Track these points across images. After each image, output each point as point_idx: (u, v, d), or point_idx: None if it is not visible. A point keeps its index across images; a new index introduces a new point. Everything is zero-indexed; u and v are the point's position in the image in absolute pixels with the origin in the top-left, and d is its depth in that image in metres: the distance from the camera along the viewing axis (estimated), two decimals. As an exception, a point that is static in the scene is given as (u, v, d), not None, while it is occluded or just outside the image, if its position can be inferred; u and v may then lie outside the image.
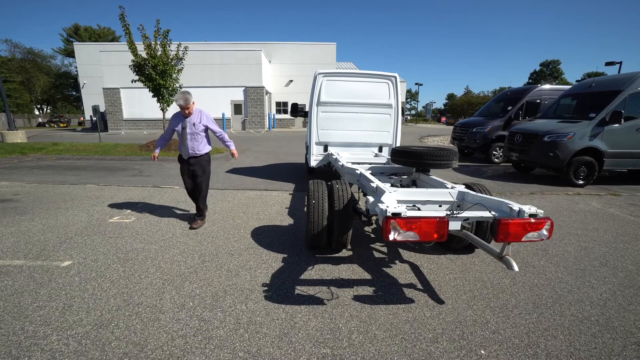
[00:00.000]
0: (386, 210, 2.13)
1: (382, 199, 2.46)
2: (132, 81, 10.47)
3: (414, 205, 2.85)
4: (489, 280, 3.00)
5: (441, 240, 2.12)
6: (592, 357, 2.05)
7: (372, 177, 3.38)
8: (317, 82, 6.28)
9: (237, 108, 23.31)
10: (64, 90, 41.67)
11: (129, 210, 4.98)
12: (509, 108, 10.14)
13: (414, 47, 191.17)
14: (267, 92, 24.79)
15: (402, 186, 3.95)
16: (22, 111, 36.30)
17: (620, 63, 17.47)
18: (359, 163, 4.87)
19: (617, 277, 3.08)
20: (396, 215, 2.11)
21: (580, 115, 7.28)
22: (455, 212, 2.36)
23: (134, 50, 10.00)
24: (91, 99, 23.57)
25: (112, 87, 21.11)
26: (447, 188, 3.04)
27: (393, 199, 2.64)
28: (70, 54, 36.14)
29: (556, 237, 4.11)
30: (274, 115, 26.42)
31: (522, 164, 8.58)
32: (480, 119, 10.87)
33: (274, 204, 5.45)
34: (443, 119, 51.40)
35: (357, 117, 6.43)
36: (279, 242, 3.84)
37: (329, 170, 7.55)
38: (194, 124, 4.04)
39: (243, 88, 22.79)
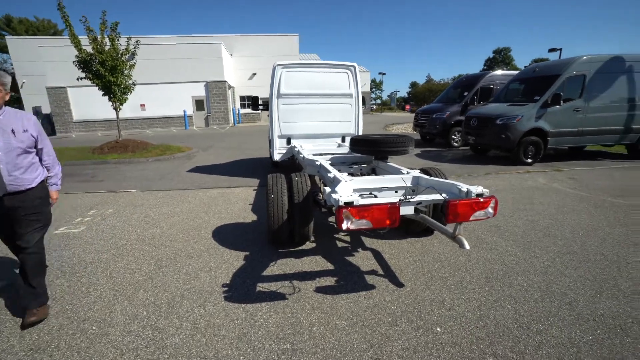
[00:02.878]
0: (339, 199, 2.13)
1: (337, 188, 2.46)
2: (77, 79, 9.62)
3: (370, 193, 2.88)
4: (446, 260, 3.13)
5: (394, 226, 2.16)
6: (533, 320, 2.21)
7: (330, 168, 3.37)
8: (276, 74, 6.14)
9: (199, 104, 22.32)
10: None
11: (79, 219, 4.61)
12: (465, 94, 10.60)
13: (377, 38, 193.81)
14: (230, 87, 23.97)
15: (362, 174, 3.99)
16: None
17: (561, 49, 18.88)
18: (321, 154, 4.85)
19: (557, 246, 3.34)
20: (348, 204, 2.12)
21: (527, 99, 7.77)
22: (409, 196, 2.42)
23: (77, 44, 9.14)
24: (33, 99, 21.41)
25: (57, 86, 19.20)
26: (403, 174, 3.11)
27: (349, 188, 2.65)
28: (2, 49, 32.36)
29: (508, 213, 4.38)
30: (238, 110, 25.68)
31: (478, 146, 9.04)
32: (439, 105, 11.28)
33: (237, 201, 5.31)
34: (407, 106, 52.92)
35: (319, 108, 6.39)
36: (242, 240, 3.74)
37: (294, 164, 7.48)
38: (12, 131, 2.15)
39: (204, 83, 21.81)
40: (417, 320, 2.26)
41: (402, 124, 22.01)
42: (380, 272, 2.94)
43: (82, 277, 3.01)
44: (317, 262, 3.15)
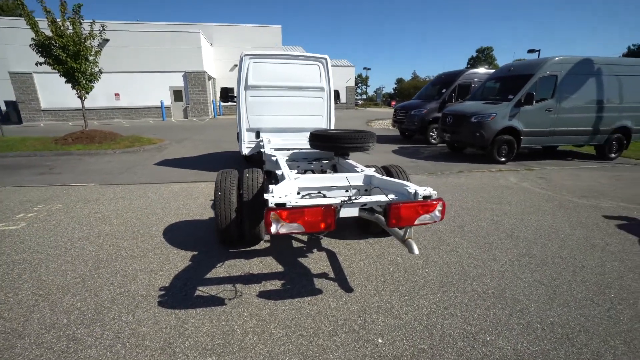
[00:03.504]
0: (268, 200, 1.94)
1: (274, 187, 2.26)
2: (36, 64, 8.97)
3: (319, 192, 2.71)
4: (402, 262, 3.00)
5: (329, 230, 1.99)
6: (481, 330, 2.10)
7: (282, 164, 3.18)
8: (244, 65, 5.86)
9: (177, 95, 21.53)
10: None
11: (22, 215, 4.25)
12: (444, 91, 10.57)
13: (364, 33, 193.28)
14: (210, 77, 23.24)
15: (323, 171, 3.82)
16: None
17: (539, 51, 19.22)
18: (287, 149, 4.65)
19: (517, 248, 3.27)
20: (280, 206, 1.94)
21: (502, 97, 7.77)
22: (354, 197, 2.25)
23: (32, 26, 8.47)
24: (2, 85, 20.12)
25: (21, 72, 17.97)
26: (357, 172, 2.94)
27: (293, 187, 2.47)
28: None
29: (474, 212, 4.31)
30: (219, 101, 25.01)
31: (455, 144, 9.04)
32: (418, 102, 11.22)
33: (198, 196, 5.04)
34: (393, 102, 53.06)
35: (289, 101, 6.16)
36: (193, 239, 3.51)
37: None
38: None
39: (182, 73, 21.02)
40: (360, 329, 2.11)
41: (385, 119, 21.98)
42: (332, 275, 2.78)
43: (3, 281, 2.71)
44: (267, 264, 2.96)
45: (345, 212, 2.22)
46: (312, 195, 2.70)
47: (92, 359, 1.88)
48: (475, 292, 2.52)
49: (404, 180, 3.19)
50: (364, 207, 2.24)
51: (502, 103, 7.48)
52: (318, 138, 3.60)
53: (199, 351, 1.94)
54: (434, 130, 10.40)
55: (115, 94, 20.02)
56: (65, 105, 19.05)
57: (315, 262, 3.01)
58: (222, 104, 25.17)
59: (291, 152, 4.12)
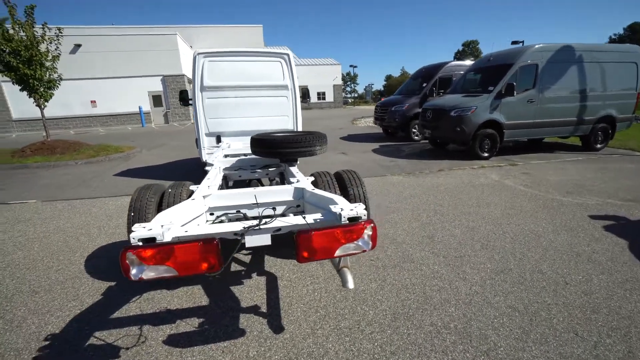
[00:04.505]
0: (132, 237, 1.45)
1: (162, 213, 1.76)
2: (-14, 71, 8.33)
3: (238, 212, 2.21)
4: (355, 286, 2.52)
5: (214, 270, 1.49)
6: (432, 387, 1.63)
7: (210, 175, 2.69)
8: (198, 64, 5.35)
9: (156, 100, 20.81)
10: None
11: None
12: (424, 85, 10.14)
13: (351, 32, 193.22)
14: (190, 81, 22.62)
15: (270, 180, 3.33)
16: None
17: (523, 42, 18.87)
18: (242, 155, 4.15)
19: (492, 262, 2.81)
20: (147, 242, 1.45)
21: (483, 89, 7.34)
22: (266, 221, 1.77)
23: (-27, 29, 7.82)
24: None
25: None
26: (292, 183, 2.45)
27: (198, 208, 1.99)
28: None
29: (449, 218, 3.85)
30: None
31: (437, 140, 8.61)
32: (398, 97, 10.78)
33: (144, 212, 4.51)
34: (382, 99, 52.75)
35: (250, 102, 5.65)
36: (118, 265, 2.99)
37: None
38: None
39: (161, 77, 20.34)
40: (276, 392, 1.63)
41: (372, 117, 21.55)
42: (263, 308, 2.29)
43: None
44: (191, 295, 2.46)
45: (252, 241, 1.73)
46: (229, 215, 2.21)
47: None
48: (434, 327, 2.04)
49: (356, 189, 2.72)
50: (278, 233, 1.76)
51: (482, 95, 7.05)
52: (257, 143, 3.10)
53: None
54: (417, 126, 9.96)
55: (92, 101, 19.29)
56: (39, 114, 18.24)
57: (250, 291, 2.51)
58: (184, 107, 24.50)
59: (236, 159, 3.63)
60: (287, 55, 5.63)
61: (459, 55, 60.05)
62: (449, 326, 2.04)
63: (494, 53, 7.84)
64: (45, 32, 8.57)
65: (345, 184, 2.86)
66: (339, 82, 39.65)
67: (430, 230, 3.52)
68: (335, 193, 2.69)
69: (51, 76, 8.96)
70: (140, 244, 1.45)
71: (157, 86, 20.50)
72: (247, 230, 1.68)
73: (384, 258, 2.95)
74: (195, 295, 2.48)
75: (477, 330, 1.99)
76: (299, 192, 2.24)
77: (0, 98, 17.82)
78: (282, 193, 2.25)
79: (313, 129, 15.93)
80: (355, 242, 1.57)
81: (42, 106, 9.12)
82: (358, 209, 1.65)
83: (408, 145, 9.60)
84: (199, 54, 5.39)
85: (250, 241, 1.73)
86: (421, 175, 6.05)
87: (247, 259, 3.04)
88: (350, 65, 50.57)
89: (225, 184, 3.36)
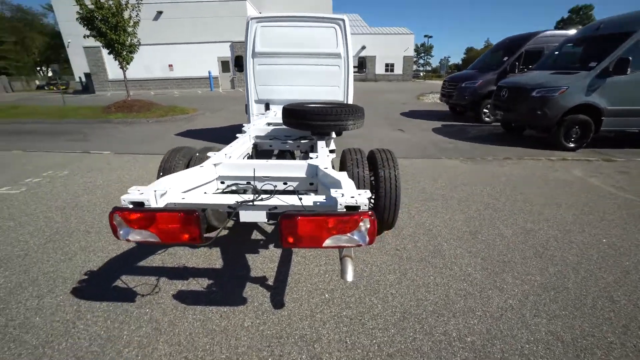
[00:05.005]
0: (123, 200, 1.45)
1: (165, 178, 1.74)
2: (84, 36, 9.54)
3: (248, 183, 2.12)
4: (368, 275, 2.33)
5: (196, 242, 1.43)
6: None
7: (235, 142, 2.66)
8: (251, 30, 5.32)
9: (224, 65, 21.83)
10: (59, 50, 40.25)
11: (29, 179, 4.47)
12: (506, 58, 8.69)
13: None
14: (258, 48, 23.06)
15: (302, 153, 3.19)
16: (21, 74, 35.92)
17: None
18: (276, 124, 4.09)
19: (543, 275, 2.33)
20: (137, 206, 1.44)
21: (582, 65, 5.96)
22: (263, 197, 1.63)
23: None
24: (79, 59, 22.66)
25: (92, 46, 19.80)
26: (311, 158, 2.26)
27: (207, 175, 1.95)
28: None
29: (502, 214, 3.31)
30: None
31: (512, 123, 7.45)
32: (472, 72, 9.45)
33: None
34: (453, 73, 47.62)
35: (301, 70, 5.48)
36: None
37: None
38: None
39: (229, 43, 21.14)
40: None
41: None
42: (270, 281, 2.25)
43: (-40, 245, 2.75)
44: (209, 257, 2.55)
45: (247, 217, 1.63)
46: (239, 186, 2.14)
47: (-37, 351, 1.69)
48: (447, 336, 1.77)
49: (387, 172, 2.44)
50: (275, 212, 1.63)
51: (578, 73, 5.73)
52: (287, 113, 2.95)
53: (66, 357, 1.62)
54: (488, 106, 8.73)
55: (169, 65, 21.11)
56: (130, 76, 20.69)
57: (263, 261, 2.50)
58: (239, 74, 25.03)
59: (272, 128, 3.54)
60: (342, 20, 5.23)
61: (562, 25, 50.17)
62: (464, 340, 1.75)
63: (605, 19, 6.24)
64: (127, 1, 9.38)
65: (376, 165, 2.59)
66: (411, 53, 36.63)
67: (474, 226, 3.07)
68: (363, 174, 2.45)
69: (132, 41, 9.87)
70: (131, 206, 1.46)
71: (226, 52, 21.44)
72: (240, 205, 1.59)
73: (412, 249, 2.67)
74: (212, 257, 2.55)
75: (499, 353, 1.67)
76: (313, 170, 2.06)
77: (100, 61, 20.61)
78: (295, 168, 2.09)
79: (373, 101, 15.19)
80: (348, 234, 1.36)
81: (125, 68, 10.20)
82: (359, 197, 1.41)
83: (475, 127, 8.51)
84: (252, 19, 5.32)
85: (245, 216, 1.64)
86: (482, 162, 5.32)
87: (269, 228, 3.03)
88: (425, 36, 46.42)
89: (256, 153, 3.33)
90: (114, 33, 9.14)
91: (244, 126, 3.84)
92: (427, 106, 13.19)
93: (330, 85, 5.55)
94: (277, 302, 2.05)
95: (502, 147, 6.30)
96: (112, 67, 20.72)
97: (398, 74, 36.60)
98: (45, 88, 31.76)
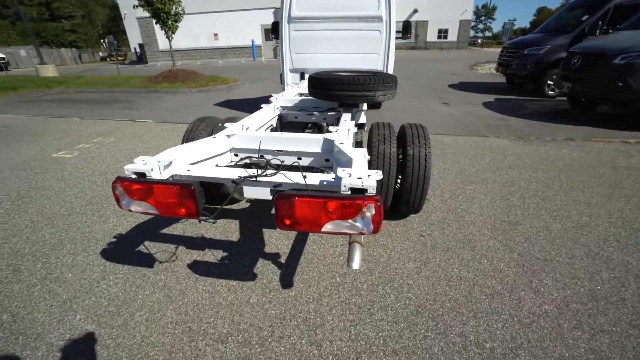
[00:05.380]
0: (127, 170, 1.44)
1: (173, 149, 1.69)
2: (133, 6, 9.88)
3: (261, 157, 2.02)
4: (385, 262, 2.18)
5: (193, 217, 1.38)
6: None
7: (257, 113, 2.57)
8: None
9: (267, 33, 21.45)
10: (119, 23, 42.81)
11: (82, 145, 4.88)
12: (585, 17, 7.31)
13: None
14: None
15: (327, 125, 3.00)
16: (88, 46, 39.14)
17: None
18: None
19: (593, 280, 1.99)
20: (137, 178, 1.42)
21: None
22: (267, 172, 1.52)
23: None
24: (134, 30, 23.88)
25: (144, 17, 20.67)
26: (329, 132, 2.07)
27: (218, 147, 1.89)
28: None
29: (551, 205, 2.89)
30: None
31: (582, 97, 6.40)
32: (538, 36, 8.15)
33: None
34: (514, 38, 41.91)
35: (338, 36, 5.12)
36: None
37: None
38: None
39: (272, 10, 20.60)
40: (256, 345, 1.57)
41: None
42: (283, 259, 2.22)
43: (23, 202, 3.10)
44: (227, 229, 2.58)
45: (251, 193, 1.55)
46: (253, 159, 2.06)
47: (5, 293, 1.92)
48: (463, 339, 1.60)
49: (417, 150, 2.20)
50: (280, 189, 1.52)
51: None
52: (312, 82, 2.74)
53: (87, 314, 1.77)
54: (554, 77, 7.56)
55: (214, 34, 21.35)
56: (177, 46, 21.43)
57: (279, 237, 2.47)
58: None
59: (300, 99, 3.37)
60: (387, -21, 4.69)
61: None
62: (483, 345, 1.56)
63: None
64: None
65: (405, 141, 2.35)
66: (468, 17, 32.83)
67: (516, 216, 2.72)
68: (390, 151, 2.24)
69: (177, 9, 10.01)
70: (134, 177, 1.44)
71: (269, 19, 21.00)
72: (243, 180, 1.50)
73: (438, 236, 2.44)
74: (230, 230, 2.58)
75: (523, 367, 1.47)
76: (329, 145, 1.89)
77: (152, 32, 21.49)
78: (310, 143, 1.94)
79: (419, 72, 14.14)
80: (350, 220, 1.22)
81: (170, 38, 10.47)
82: (367, 180, 1.24)
83: (535, 102, 7.49)
84: (287, -20, 5.00)
85: (249, 192, 1.56)
86: (536, 142, 4.67)
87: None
88: (489, -6, 40.62)
89: (281, 125, 3.21)
90: (159, 2, 9.33)
91: (272, 96, 3.73)
92: (481, 77, 11.89)
93: (369, 53, 5.14)
94: (286, 281, 2.01)
95: (564, 126, 5.47)
96: (162, 38, 21.55)
97: (452, 40, 33.32)
98: (107, 59, 34.33)
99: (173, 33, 10.36)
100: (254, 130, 2.32)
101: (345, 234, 1.28)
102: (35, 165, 4.03)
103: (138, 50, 23.82)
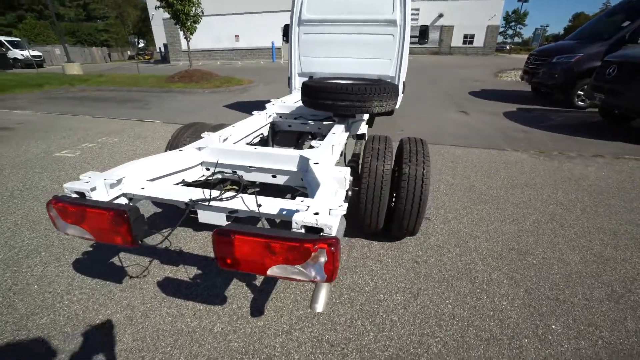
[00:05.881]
0: (66, 188, 1.31)
1: (121, 166, 1.55)
2: (155, 7, 10.09)
3: (234, 172, 1.85)
4: (373, 291, 1.96)
5: (130, 246, 1.23)
6: None
7: (243, 122, 2.42)
8: None
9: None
10: (148, 23, 44.45)
11: (86, 144, 4.92)
12: (627, 24, 6.73)
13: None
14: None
15: (324, 136, 2.81)
16: (118, 45, 40.92)
17: None
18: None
19: (616, 331, 1.68)
20: (76, 199, 1.28)
21: None
22: (223, 197, 1.34)
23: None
24: (160, 30, 24.65)
25: (169, 17, 21.41)
26: (311, 147, 1.88)
27: (187, 159, 1.74)
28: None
29: (570, 233, 2.56)
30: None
31: (615, 109, 5.87)
32: (569, 44, 7.60)
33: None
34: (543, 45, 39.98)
35: (349, 40, 4.94)
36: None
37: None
38: None
39: (293, 12, 20.62)
40: (205, 390, 1.40)
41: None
42: (258, 282, 2.03)
43: (11, 203, 3.08)
44: (207, 243, 2.43)
45: (205, 217, 1.39)
46: (225, 175, 1.89)
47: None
48: (451, 396, 1.36)
49: (413, 169, 1.97)
50: (236, 216, 1.35)
51: None
52: (303, 90, 2.56)
53: (40, 334, 1.66)
54: (585, 87, 7.00)
55: (235, 35, 21.65)
56: (198, 46, 21.91)
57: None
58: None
59: (297, 105, 3.19)
60: (402, -19, 4.46)
61: None
62: (471, 409, 1.31)
63: None
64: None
65: (401, 158, 2.13)
66: (497, 22, 31.74)
67: (527, 244, 2.42)
68: (383, 169, 2.02)
69: (196, 11, 10.14)
70: (74, 196, 1.31)
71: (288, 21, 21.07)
72: (195, 204, 1.34)
73: (435, 264, 2.19)
74: (209, 245, 2.43)
75: None
76: (305, 163, 1.70)
77: (175, 32, 22.01)
78: (285, 159, 1.75)
79: (440, 78, 13.74)
80: (299, 266, 1.02)
81: (188, 39, 10.62)
82: (324, 217, 1.03)
83: (561, 113, 6.97)
84: (298, -20, 4.87)
85: (203, 217, 1.40)
86: (559, 158, 4.28)
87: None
88: (519, 0, 39.11)
89: (273, 133, 3.05)
90: (179, 3, 9.48)
91: (270, 101, 3.59)
92: (505, 85, 11.33)
93: (380, 58, 4.92)
94: (257, 307, 1.83)
95: (593, 141, 5.02)
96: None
97: (477, 46, 32.34)
98: (134, 58, 35.67)
99: (191, 34, 10.51)
100: (231, 142, 2.17)
101: (294, 280, 1.08)
102: (36, 164, 4.07)
103: (162, 50, 24.57)
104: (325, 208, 1.10)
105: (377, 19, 4.71)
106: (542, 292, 1.94)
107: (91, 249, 2.38)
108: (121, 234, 1.21)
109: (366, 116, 3.25)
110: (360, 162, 2.22)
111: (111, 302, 1.87)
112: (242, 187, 1.42)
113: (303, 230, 1.06)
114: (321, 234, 1.05)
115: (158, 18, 23.00)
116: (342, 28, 4.91)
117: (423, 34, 5.62)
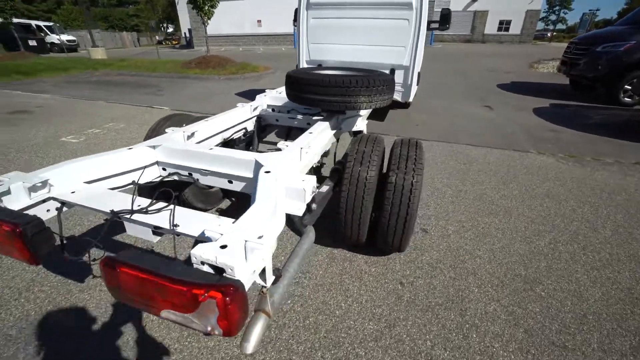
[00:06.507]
0: None
1: (49, 168, 1.37)
2: (174, -10, 9.98)
3: (190, 175, 1.64)
4: (343, 315, 1.72)
5: (31, 263, 1.06)
6: None
7: (219, 117, 2.22)
8: None
9: (310, 21, 21.05)
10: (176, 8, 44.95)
11: (92, 130, 4.94)
12: (686, 8, 5.81)
13: None
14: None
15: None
16: (147, 30, 41.88)
17: None
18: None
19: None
20: None
21: None
22: (150, 210, 1.14)
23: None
24: (185, 16, 24.78)
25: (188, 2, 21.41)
26: (277, 150, 1.63)
27: (140, 158, 1.57)
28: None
29: (594, 259, 2.18)
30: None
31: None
32: (619, 30, 6.68)
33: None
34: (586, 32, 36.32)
35: (361, 25, 4.57)
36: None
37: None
38: None
39: (318, -4, 19.98)
40: None
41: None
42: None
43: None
44: (185, 244, 2.28)
45: (133, 230, 1.20)
46: (182, 177, 1.69)
47: None
48: None
49: (400, 178, 1.70)
50: (160, 232, 1.15)
51: None
52: (286, 81, 2.29)
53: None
54: (634, 81, 6.18)
55: (258, 21, 21.36)
56: (222, 32, 21.88)
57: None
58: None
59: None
60: (416, -44, 4.00)
61: None
62: None
63: None
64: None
65: (390, 164, 1.84)
66: (537, 6, 29.24)
67: (537, 269, 2.07)
68: (366, 175, 1.75)
69: (213, -5, 9.96)
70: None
71: (313, 7, 20.49)
72: (116, 215, 1.15)
73: (422, 287, 1.91)
74: (187, 244, 2.28)
75: None
76: (257, 167, 1.46)
77: (199, 17, 22.05)
78: (240, 164, 1.52)
79: (468, 68, 12.88)
80: (190, 314, 0.79)
81: (206, 23, 10.48)
82: (225, 256, 0.80)
83: (602, 111, 6.20)
84: (307, -39, 4.52)
85: (131, 229, 1.21)
86: (591, 164, 3.75)
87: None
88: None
89: (259, 127, 2.82)
90: (196, -12, 9.35)
91: (265, 91, 3.36)
92: (540, 77, 10.37)
93: (394, 45, 4.52)
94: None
95: (637, 145, 4.38)
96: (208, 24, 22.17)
97: (514, 34, 30.10)
98: (162, 43, 36.44)
99: (209, 19, 10.38)
100: (197, 140, 1.97)
101: (188, 327, 0.86)
102: (40, 149, 4.10)
103: (187, 35, 24.78)
104: (239, 239, 0.87)
105: (391, 1, 4.29)
106: (547, 336, 1.62)
107: (65, 241, 2.29)
108: (18, 250, 1.05)
109: (364, 111, 2.94)
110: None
111: (66, 304, 1.77)
112: (174, 196, 1.21)
113: (205, 268, 0.84)
114: (224, 274, 0.82)
115: (183, 3, 23.00)
116: (352, 12, 4.54)
117: (445, 19, 5.11)
